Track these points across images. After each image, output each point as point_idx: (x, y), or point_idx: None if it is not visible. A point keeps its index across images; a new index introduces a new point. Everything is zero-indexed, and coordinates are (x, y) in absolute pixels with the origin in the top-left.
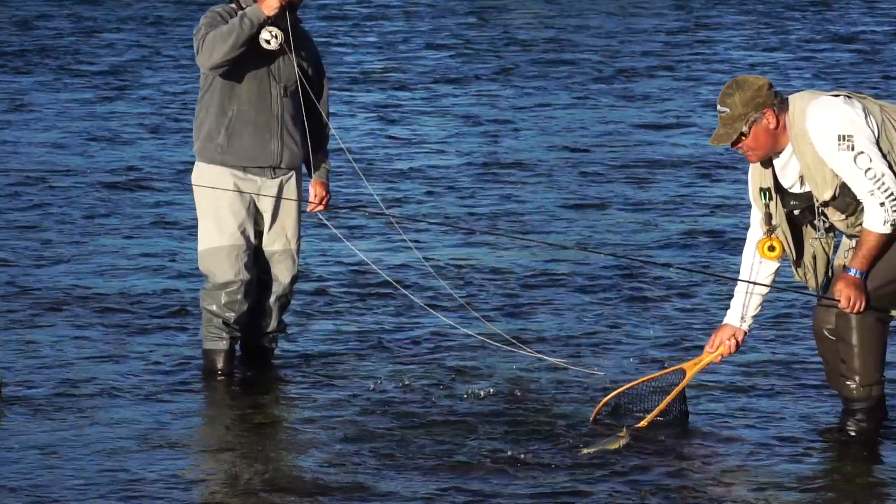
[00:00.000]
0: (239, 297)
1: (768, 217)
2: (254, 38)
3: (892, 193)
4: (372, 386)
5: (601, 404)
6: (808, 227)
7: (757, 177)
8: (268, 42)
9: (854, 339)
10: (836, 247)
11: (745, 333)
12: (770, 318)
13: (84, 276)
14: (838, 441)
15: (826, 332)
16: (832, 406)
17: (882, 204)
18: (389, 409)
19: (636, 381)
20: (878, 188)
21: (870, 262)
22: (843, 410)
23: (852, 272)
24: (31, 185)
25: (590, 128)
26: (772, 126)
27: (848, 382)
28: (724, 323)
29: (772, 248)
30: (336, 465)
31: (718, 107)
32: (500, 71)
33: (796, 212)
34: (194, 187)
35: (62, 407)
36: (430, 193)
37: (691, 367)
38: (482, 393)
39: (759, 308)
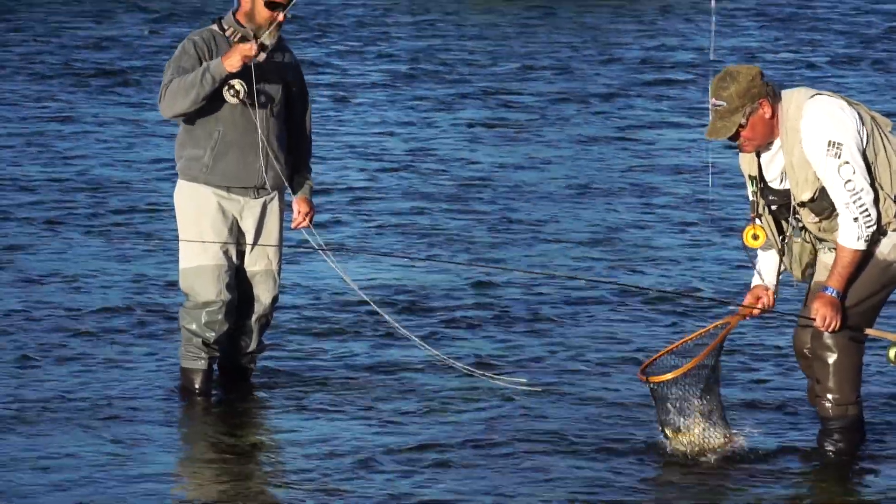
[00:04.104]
0: (220, 316)
1: (753, 204)
2: (216, 93)
3: (866, 210)
4: (352, 409)
5: (651, 360)
6: (785, 222)
7: (746, 163)
8: (231, 97)
9: (829, 359)
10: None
11: (775, 294)
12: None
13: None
14: (815, 461)
15: (806, 352)
16: (810, 425)
17: (856, 219)
18: (370, 433)
19: (684, 339)
20: (854, 202)
21: (845, 280)
22: (820, 430)
23: (828, 291)
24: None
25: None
26: (767, 116)
27: (823, 402)
28: (753, 285)
29: (755, 237)
30: (314, 487)
31: (713, 100)
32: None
33: (773, 207)
34: (176, 205)
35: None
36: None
37: (733, 319)
38: (466, 419)
39: (779, 277)
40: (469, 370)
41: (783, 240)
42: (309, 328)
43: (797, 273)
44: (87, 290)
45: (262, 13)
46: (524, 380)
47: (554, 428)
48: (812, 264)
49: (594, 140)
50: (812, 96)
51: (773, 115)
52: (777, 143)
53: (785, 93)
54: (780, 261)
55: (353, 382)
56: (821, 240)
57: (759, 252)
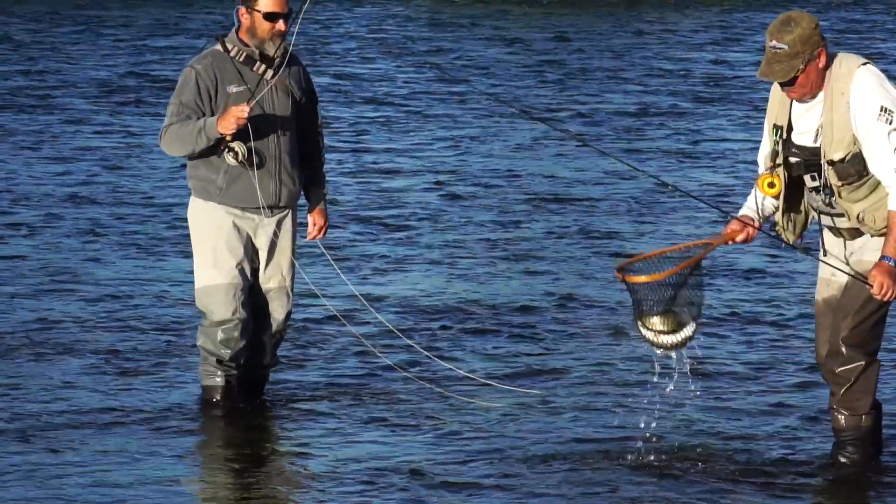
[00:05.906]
0: (236, 334)
1: (774, 154)
2: (213, 149)
3: None
4: (363, 419)
5: (630, 260)
6: (803, 178)
7: (775, 111)
8: (232, 159)
9: (844, 371)
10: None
11: (758, 229)
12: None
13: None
14: (830, 474)
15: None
16: (826, 438)
17: None
18: (384, 444)
19: (667, 249)
20: None
21: None
22: (835, 443)
23: (887, 260)
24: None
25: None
26: (821, 66)
27: (837, 414)
28: (740, 214)
29: (772, 185)
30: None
31: (774, 42)
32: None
33: (793, 159)
34: (190, 224)
35: (54, 436)
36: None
37: (717, 240)
38: (507, 434)
39: (767, 218)
40: (486, 382)
41: (789, 197)
42: (329, 341)
43: (789, 236)
44: (159, 306)
45: (263, 26)
46: (539, 391)
47: (606, 439)
48: (802, 233)
49: (671, 154)
50: (864, 63)
51: (826, 67)
52: (819, 97)
53: (838, 54)
54: (777, 210)
55: (372, 396)
56: (831, 214)
57: (762, 196)
